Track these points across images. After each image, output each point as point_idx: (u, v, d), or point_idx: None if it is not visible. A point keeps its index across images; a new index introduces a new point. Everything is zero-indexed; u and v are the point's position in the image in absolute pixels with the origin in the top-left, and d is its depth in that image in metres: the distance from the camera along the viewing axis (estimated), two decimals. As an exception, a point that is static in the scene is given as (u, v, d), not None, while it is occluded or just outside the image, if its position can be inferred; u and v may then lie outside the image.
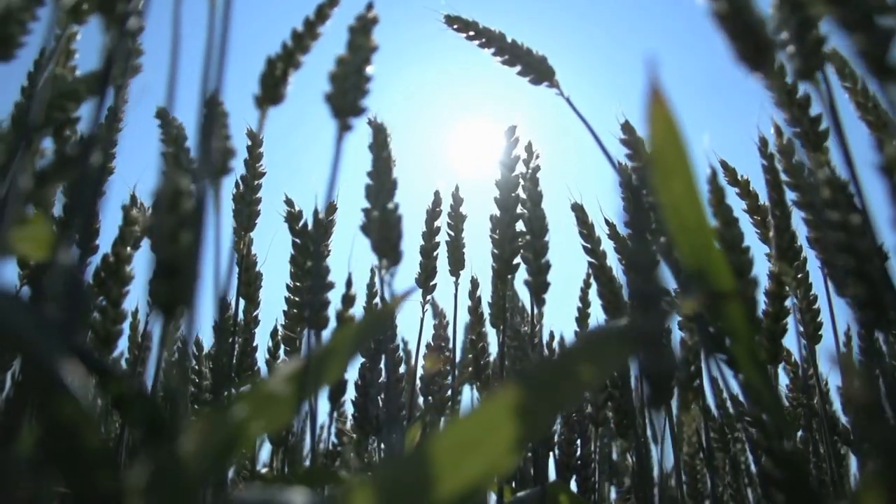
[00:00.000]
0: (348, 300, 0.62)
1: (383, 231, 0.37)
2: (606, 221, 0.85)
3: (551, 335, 0.94)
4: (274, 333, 0.80)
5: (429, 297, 0.81)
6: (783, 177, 0.68)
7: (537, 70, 0.70)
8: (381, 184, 0.39)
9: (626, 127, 0.72)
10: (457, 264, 0.88)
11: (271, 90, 0.36)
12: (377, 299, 0.91)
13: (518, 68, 0.71)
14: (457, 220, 0.89)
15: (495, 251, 0.75)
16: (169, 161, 0.45)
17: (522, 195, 0.76)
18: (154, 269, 0.28)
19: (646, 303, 0.32)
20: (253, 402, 0.29)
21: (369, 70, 0.35)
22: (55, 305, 0.26)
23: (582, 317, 0.91)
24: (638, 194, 0.33)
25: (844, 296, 0.67)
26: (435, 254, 0.82)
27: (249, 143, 0.67)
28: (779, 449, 0.42)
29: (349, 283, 0.63)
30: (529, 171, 0.78)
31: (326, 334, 0.63)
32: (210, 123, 0.30)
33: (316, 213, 0.62)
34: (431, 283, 0.81)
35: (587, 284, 0.92)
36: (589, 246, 0.79)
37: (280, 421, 0.30)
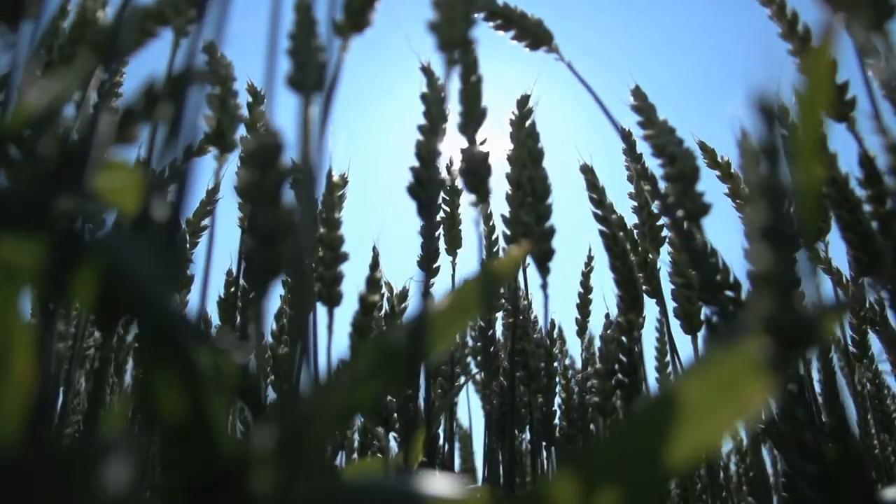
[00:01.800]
0: (373, 283, 0.57)
1: (472, 165, 0.33)
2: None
3: (552, 323, 0.90)
4: (279, 316, 0.74)
5: (432, 281, 0.76)
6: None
7: (534, 34, 0.64)
8: (470, 112, 0.34)
9: (637, 93, 0.67)
10: (454, 243, 0.84)
11: (357, 15, 0.30)
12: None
13: (512, 33, 0.65)
14: (453, 196, 0.85)
15: (506, 230, 0.71)
16: (214, 104, 0.39)
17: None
18: (250, 234, 0.23)
19: (780, 240, 0.28)
20: (372, 359, 0.24)
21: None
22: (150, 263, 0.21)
23: (583, 303, 0.88)
24: (772, 114, 0.29)
25: (866, 276, 0.65)
26: (437, 233, 0.77)
27: (251, 98, 0.61)
28: (812, 441, 0.38)
29: (375, 264, 0.58)
30: (528, 126, 0.72)
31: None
32: (303, 33, 0.25)
33: (330, 174, 0.56)
34: (434, 266, 0.76)
35: (588, 267, 0.88)
36: (600, 213, 0.73)
37: (400, 380, 0.25)
